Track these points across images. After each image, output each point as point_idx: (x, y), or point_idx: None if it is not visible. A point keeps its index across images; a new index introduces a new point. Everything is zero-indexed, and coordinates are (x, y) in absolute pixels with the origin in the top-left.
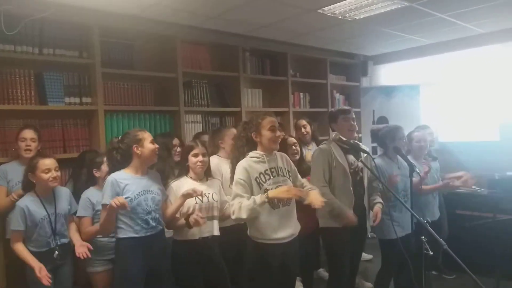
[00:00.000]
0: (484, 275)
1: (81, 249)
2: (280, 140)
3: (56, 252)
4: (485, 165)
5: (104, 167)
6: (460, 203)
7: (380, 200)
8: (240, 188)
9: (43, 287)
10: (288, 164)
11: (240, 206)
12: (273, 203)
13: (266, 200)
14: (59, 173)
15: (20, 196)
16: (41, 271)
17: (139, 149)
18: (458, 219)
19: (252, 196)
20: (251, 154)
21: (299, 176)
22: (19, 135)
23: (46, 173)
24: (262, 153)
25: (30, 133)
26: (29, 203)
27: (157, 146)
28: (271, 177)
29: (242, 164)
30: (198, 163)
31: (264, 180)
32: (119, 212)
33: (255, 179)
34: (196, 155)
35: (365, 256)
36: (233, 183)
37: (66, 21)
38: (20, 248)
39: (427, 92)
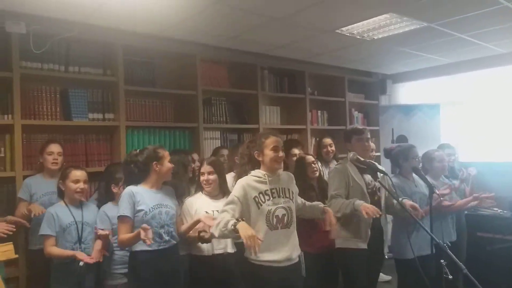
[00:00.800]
0: None
1: (96, 254)
2: (282, 160)
3: (82, 262)
4: (508, 186)
5: (75, 185)
6: (481, 225)
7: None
8: (230, 206)
9: None
10: (293, 185)
11: (217, 223)
12: (272, 225)
13: (233, 228)
14: (86, 186)
15: (30, 212)
16: (79, 255)
17: (158, 166)
18: (480, 241)
19: (229, 220)
20: (253, 173)
21: (299, 199)
22: (45, 149)
23: (75, 183)
24: (264, 173)
25: (57, 148)
26: (58, 209)
27: (172, 165)
28: (271, 198)
29: (241, 181)
30: (204, 182)
31: (263, 200)
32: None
33: (254, 198)
34: (202, 174)
35: (384, 277)
36: (229, 196)
37: (91, 40)
38: (54, 249)
39: (447, 112)
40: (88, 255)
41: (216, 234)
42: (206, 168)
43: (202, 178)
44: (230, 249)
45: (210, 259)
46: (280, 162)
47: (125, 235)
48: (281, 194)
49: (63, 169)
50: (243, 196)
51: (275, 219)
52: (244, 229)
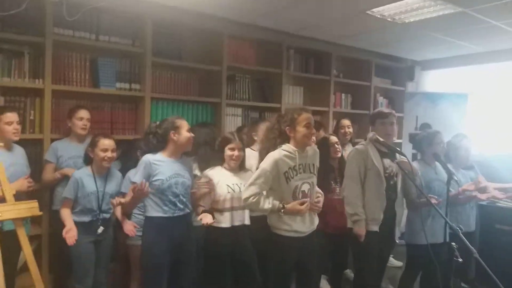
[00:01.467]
0: None
1: (130, 227)
2: (315, 137)
3: (102, 228)
4: None
5: (103, 154)
6: (499, 217)
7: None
8: (262, 179)
9: (86, 258)
10: (317, 160)
11: (255, 202)
12: (297, 199)
13: (281, 212)
14: (114, 155)
15: (63, 176)
16: (69, 232)
17: (176, 135)
18: (497, 233)
19: (272, 199)
20: (284, 147)
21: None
22: (75, 114)
23: (104, 152)
24: (295, 149)
25: (86, 113)
26: (84, 176)
27: (192, 135)
28: (298, 173)
29: (274, 155)
30: (234, 157)
31: (292, 176)
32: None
33: (284, 173)
34: (232, 149)
35: (396, 263)
36: (259, 169)
37: (121, 11)
38: (65, 212)
39: (474, 102)
40: (106, 220)
41: (256, 210)
42: (238, 144)
43: (231, 153)
44: (247, 221)
45: (228, 230)
46: (311, 138)
47: (126, 198)
48: (307, 169)
49: (93, 136)
50: (275, 170)
51: (301, 194)
52: (293, 207)
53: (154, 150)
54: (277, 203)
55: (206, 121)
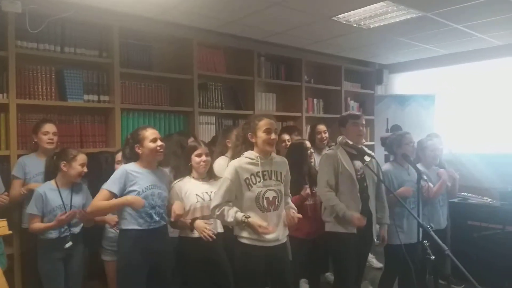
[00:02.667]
0: (492, 287)
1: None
2: (275, 142)
3: (70, 243)
4: (499, 177)
5: (117, 166)
6: (471, 213)
7: (387, 221)
8: (225, 188)
9: (54, 276)
10: (286, 169)
11: (220, 213)
12: (263, 207)
13: (244, 224)
14: (85, 170)
15: (29, 191)
16: (59, 220)
17: (140, 148)
18: (470, 229)
19: (236, 212)
20: (246, 154)
21: (288, 186)
22: (40, 128)
23: (82, 167)
24: (257, 155)
25: (52, 127)
26: (48, 190)
27: (158, 144)
28: (262, 180)
29: (233, 163)
30: (202, 163)
31: (254, 182)
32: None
33: (245, 180)
34: (199, 155)
35: (376, 263)
36: (222, 179)
37: (87, 22)
38: (36, 225)
39: (442, 103)
40: (75, 235)
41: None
42: (204, 149)
43: (199, 159)
44: (220, 229)
45: (200, 240)
46: (272, 144)
47: (103, 201)
48: (272, 176)
49: (67, 150)
50: (235, 178)
51: (265, 201)
52: (255, 223)
53: (130, 161)
54: (240, 215)
55: (184, 130)
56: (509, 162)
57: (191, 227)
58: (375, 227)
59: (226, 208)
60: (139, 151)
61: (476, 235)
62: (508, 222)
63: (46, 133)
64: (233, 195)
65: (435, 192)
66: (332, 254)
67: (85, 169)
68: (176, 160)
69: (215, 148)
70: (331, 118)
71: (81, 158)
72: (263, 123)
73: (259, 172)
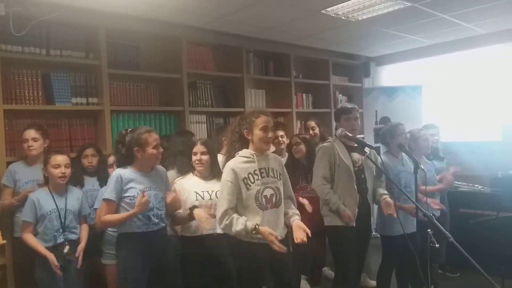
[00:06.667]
0: (488, 273)
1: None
2: (271, 141)
3: (68, 247)
4: (488, 164)
5: (111, 170)
6: (463, 201)
7: (386, 193)
8: (227, 190)
9: (51, 284)
10: (281, 167)
11: (229, 223)
12: (261, 205)
13: (254, 232)
14: (69, 171)
15: (21, 201)
16: (49, 257)
17: (140, 152)
18: (462, 217)
19: (246, 221)
20: (241, 153)
21: (289, 185)
22: (22, 136)
23: (56, 168)
24: (253, 152)
25: (31, 133)
26: (40, 196)
27: (160, 151)
28: (260, 178)
29: (229, 164)
30: (196, 161)
31: (252, 181)
32: (122, 206)
33: (243, 180)
34: (195, 154)
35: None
36: (221, 183)
37: (73, 23)
38: (29, 238)
39: (429, 93)
40: (72, 241)
41: (232, 234)
42: (199, 148)
43: (194, 157)
44: (220, 230)
45: (200, 239)
46: (268, 143)
47: (111, 215)
48: (270, 173)
49: (45, 154)
50: (234, 179)
51: (263, 199)
52: (265, 233)
53: (123, 160)
54: (250, 224)
55: (182, 129)
56: (497, 149)
57: (190, 217)
58: (373, 220)
59: (235, 216)
60: (138, 155)
61: (472, 222)
62: (501, 208)
63: (26, 140)
64: (236, 197)
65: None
66: (332, 248)
67: (62, 170)
68: (181, 160)
69: None
70: (320, 112)
71: (54, 160)
72: (260, 121)
73: (256, 170)
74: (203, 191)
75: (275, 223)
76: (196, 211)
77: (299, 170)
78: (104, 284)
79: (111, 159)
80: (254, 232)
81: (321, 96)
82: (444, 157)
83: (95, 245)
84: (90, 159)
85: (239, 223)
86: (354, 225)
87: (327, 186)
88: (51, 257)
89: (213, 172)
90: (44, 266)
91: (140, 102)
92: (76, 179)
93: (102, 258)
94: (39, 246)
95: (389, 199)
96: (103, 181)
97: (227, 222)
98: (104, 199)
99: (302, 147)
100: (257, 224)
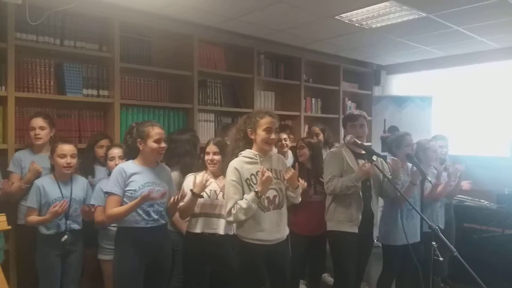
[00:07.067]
0: None
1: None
2: (273, 142)
3: (66, 236)
4: (495, 180)
5: (111, 163)
6: (468, 216)
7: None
8: (233, 190)
9: (51, 273)
10: (284, 167)
11: (236, 210)
12: (264, 206)
13: (255, 195)
14: (75, 161)
15: (28, 183)
16: (52, 212)
17: (142, 144)
18: (466, 232)
19: (244, 197)
20: (244, 153)
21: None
22: (29, 124)
23: (61, 158)
24: (256, 153)
25: (39, 122)
26: (46, 183)
27: (161, 146)
28: None
29: (233, 164)
30: (209, 161)
31: (255, 182)
32: (123, 200)
33: (246, 181)
34: (207, 153)
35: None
36: (226, 183)
37: (87, 15)
38: (32, 218)
39: (439, 104)
40: (74, 231)
41: (243, 217)
42: (212, 148)
43: (206, 157)
44: (221, 232)
45: (202, 235)
46: (270, 144)
47: (117, 208)
48: (272, 175)
49: (52, 143)
50: (238, 178)
51: (266, 200)
52: (260, 183)
53: (131, 151)
54: (252, 194)
55: (186, 127)
56: (505, 165)
57: (194, 194)
58: (376, 228)
59: (238, 202)
60: (140, 147)
61: (476, 237)
62: (506, 225)
63: (33, 128)
64: (242, 195)
65: (438, 192)
66: (333, 254)
67: (68, 160)
68: (189, 158)
69: None
70: (329, 118)
71: (60, 149)
72: (264, 121)
73: (259, 171)
74: (210, 190)
75: (277, 225)
76: (196, 185)
77: (303, 173)
78: (99, 280)
79: (113, 152)
80: (259, 195)
81: (330, 101)
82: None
83: (92, 239)
84: (105, 150)
85: (243, 202)
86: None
87: (335, 179)
88: (51, 214)
89: (224, 172)
90: (44, 254)
91: (150, 97)
92: (87, 168)
93: (100, 254)
94: (41, 218)
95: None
96: None
97: (234, 211)
98: (109, 194)
99: (306, 151)
100: (255, 191)
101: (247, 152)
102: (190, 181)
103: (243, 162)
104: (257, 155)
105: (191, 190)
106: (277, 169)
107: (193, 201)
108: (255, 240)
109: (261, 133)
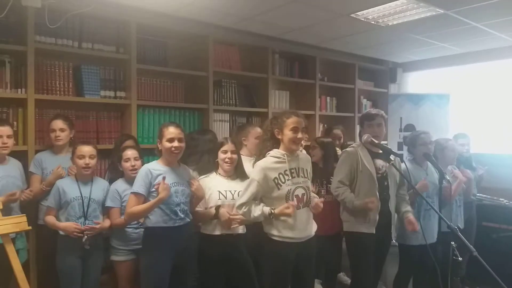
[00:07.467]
0: None
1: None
2: (301, 142)
3: (86, 237)
4: None
5: (126, 164)
6: (487, 215)
7: (410, 209)
8: (251, 188)
9: (72, 272)
10: (310, 166)
11: (247, 210)
12: (288, 201)
13: (272, 215)
14: (93, 161)
15: (50, 186)
16: (69, 227)
17: (159, 144)
18: (484, 231)
19: (262, 206)
20: (271, 153)
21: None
22: (49, 126)
23: (80, 159)
24: (284, 152)
25: (59, 124)
26: (66, 183)
27: (173, 145)
28: (291, 178)
29: (260, 164)
30: (227, 160)
31: (283, 181)
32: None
33: (274, 180)
34: (225, 152)
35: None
36: (249, 179)
37: (105, 17)
38: (50, 219)
39: (456, 102)
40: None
41: (251, 219)
42: (229, 146)
43: (224, 156)
44: (241, 230)
45: (220, 238)
46: (297, 143)
47: (136, 206)
48: (300, 173)
49: (72, 144)
50: (263, 179)
51: (295, 199)
52: (280, 210)
53: (158, 152)
54: (267, 209)
55: (203, 128)
56: None
57: (216, 216)
58: (394, 229)
59: (253, 204)
60: (159, 147)
61: (495, 236)
62: None
63: (53, 130)
64: (259, 196)
65: (453, 193)
66: (350, 254)
67: (86, 161)
68: (208, 159)
69: None
70: (344, 116)
71: (79, 150)
72: (290, 121)
73: (287, 170)
74: (226, 191)
75: (306, 222)
76: (221, 211)
77: (315, 173)
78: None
79: (128, 153)
80: (271, 216)
81: (345, 100)
82: (476, 167)
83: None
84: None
85: (257, 210)
86: (377, 218)
87: (343, 188)
88: (71, 225)
89: (236, 172)
90: (65, 255)
91: (166, 98)
92: (114, 169)
93: (112, 255)
94: (58, 223)
95: (412, 217)
96: None
97: (245, 209)
98: (133, 193)
99: (318, 151)
100: (272, 209)
101: (275, 152)
102: (206, 186)
103: (271, 162)
104: (285, 155)
105: (216, 208)
106: (304, 167)
107: (213, 217)
108: (285, 238)
109: (288, 133)
